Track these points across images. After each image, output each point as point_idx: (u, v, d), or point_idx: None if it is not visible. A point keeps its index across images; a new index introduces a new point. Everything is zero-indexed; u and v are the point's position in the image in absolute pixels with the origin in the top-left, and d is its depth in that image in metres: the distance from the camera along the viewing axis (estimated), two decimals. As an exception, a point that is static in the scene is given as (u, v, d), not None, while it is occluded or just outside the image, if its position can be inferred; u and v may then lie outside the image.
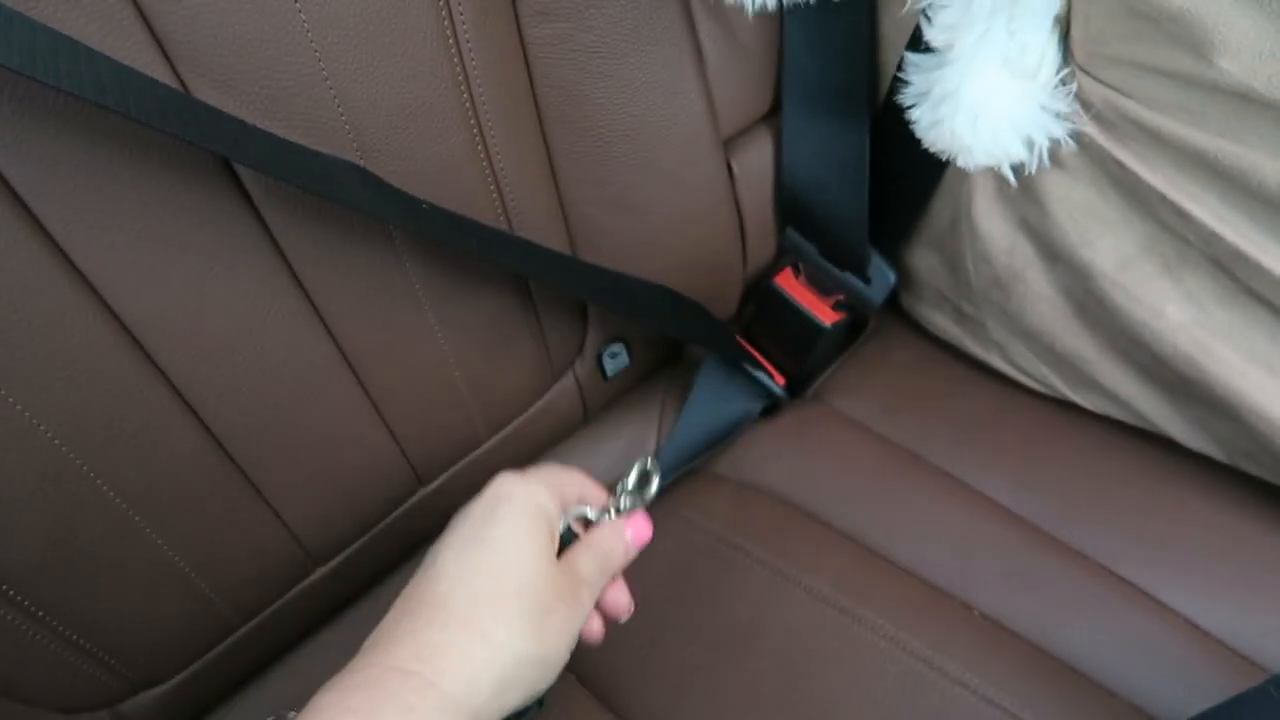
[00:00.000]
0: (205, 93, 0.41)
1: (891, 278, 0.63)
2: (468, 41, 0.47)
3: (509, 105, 0.51)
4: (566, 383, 0.65)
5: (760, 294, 0.70)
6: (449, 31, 0.46)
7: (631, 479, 0.48)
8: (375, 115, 0.46)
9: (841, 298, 0.67)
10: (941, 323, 0.67)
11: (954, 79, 0.50)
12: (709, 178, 0.60)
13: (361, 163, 0.46)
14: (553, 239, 0.57)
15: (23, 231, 0.39)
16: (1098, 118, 0.50)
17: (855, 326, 0.72)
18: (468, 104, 0.48)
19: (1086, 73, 0.50)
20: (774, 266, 0.70)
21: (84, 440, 0.44)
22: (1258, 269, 0.48)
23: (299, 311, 0.49)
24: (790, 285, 0.68)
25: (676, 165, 0.58)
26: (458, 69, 0.47)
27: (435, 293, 0.53)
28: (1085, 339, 0.57)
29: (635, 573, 0.47)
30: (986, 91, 0.49)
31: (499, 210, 0.53)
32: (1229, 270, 0.50)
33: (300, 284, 0.48)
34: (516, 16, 0.49)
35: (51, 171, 0.39)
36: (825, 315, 0.67)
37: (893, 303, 0.71)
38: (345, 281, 0.50)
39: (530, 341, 0.60)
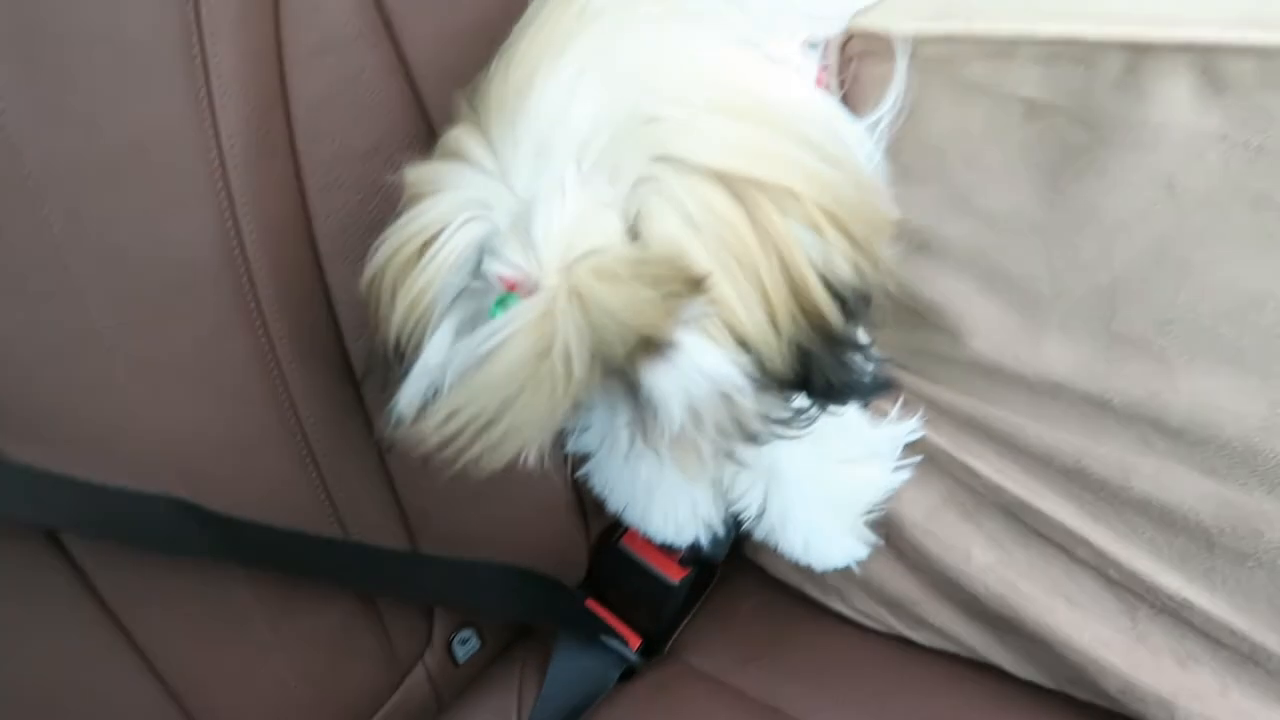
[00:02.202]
0: (14, 447, 0.40)
1: (729, 535, 0.66)
2: (289, 362, 0.48)
3: (337, 415, 0.52)
4: (417, 676, 0.63)
5: (608, 553, 0.71)
6: (269, 353, 0.48)
7: None
8: (199, 443, 0.46)
9: (686, 553, 0.69)
10: (783, 570, 0.69)
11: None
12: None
13: (187, 495, 0.46)
14: (390, 535, 0.57)
15: None
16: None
17: (706, 575, 0.74)
18: (292, 419, 0.49)
19: (868, 349, 0.56)
20: (620, 524, 0.72)
21: None
22: (1039, 514, 0.53)
23: (117, 652, 0.46)
24: (636, 544, 0.70)
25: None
26: (280, 390, 0.48)
27: (271, 611, 0.52)
28: (910, 582, 0.61)
29: None
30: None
31: (331, 517, 0.53)
32: (1018, 516, 0.55)
33: (118, 622, 0.46)
34: (337, 326, 0.51)
35: None
36: (672, 572, 0.69)
37: (738, 549, 0.73)
38: (170, 615, 0.48)
39: (374, 641, 0.59)
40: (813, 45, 0.46)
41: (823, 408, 0.42)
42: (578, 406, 0.35)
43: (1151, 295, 0.46)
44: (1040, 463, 0.53)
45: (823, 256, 0.37)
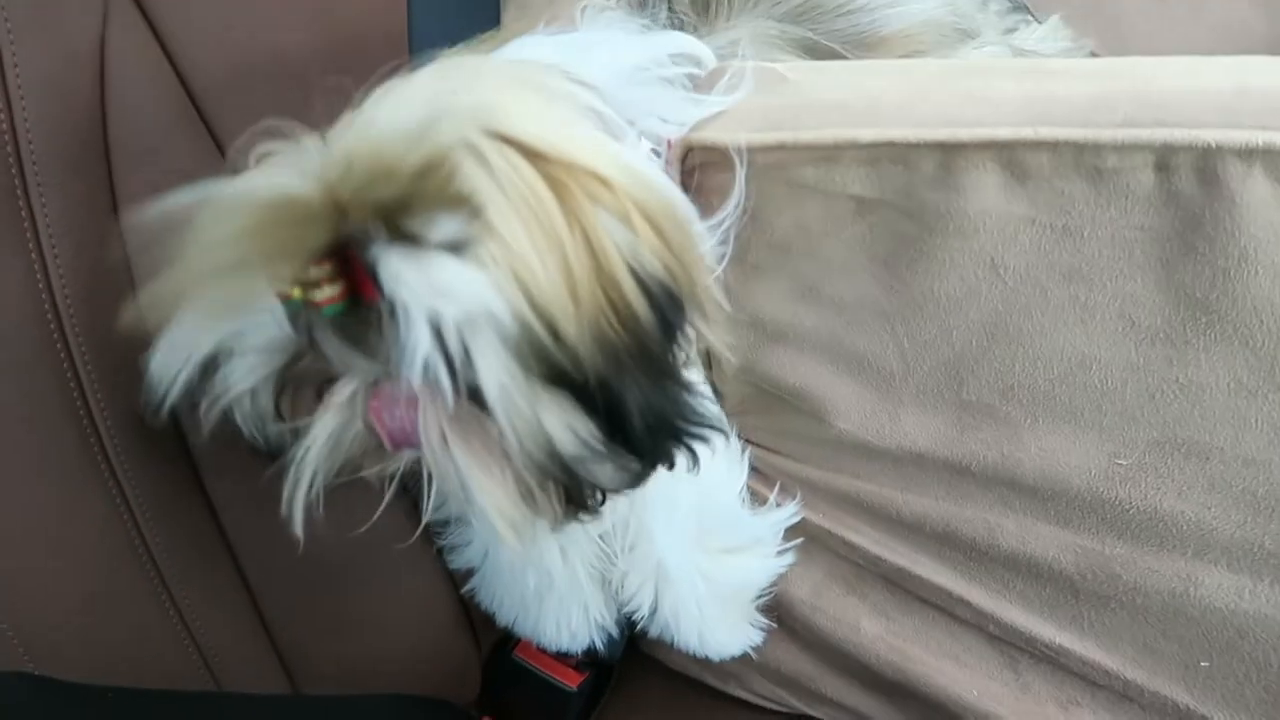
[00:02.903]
0: None
1: (623, 634, 0.65)
2: (144, 511, 0.46)
3: (199, 559, 0.50)
4: (307, 826, 0.59)
5: (502, 667, 0.69)
6: (122, 505, 0.45)
7: None
8: (48, 610, 0.43)
9: (581, 656, 0.68)
10: (678, 660, 0.69)
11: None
12: (426, 575, 0.61)
13: (33, 667, 0.43)
14: (268, 678, 0.54)
15: None
16: (758, 471, 0.58)
17: (604, 677, 0.73)
18: (153, 575, 0.47)
19: (740, 436, 0.58)
20: (512, 636, 0.70)
21: None
22: (919, 580, 0.55)
23: None
24: (530, 654, 0.68)
25: (393, 572, 0.58)
26: (137, 542, 0.46)
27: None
28: (805, 659, 0.62)
29: None
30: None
31: (200, 665, 0.50)
32: (899, 584, 0.56)
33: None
34: (194, 468, 0.49)
35: None
36: (569, 678, 0.67)
37: (634, 645, 0.72)
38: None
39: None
40: (656, 152, 0.48)
41: (654, 459, 0.39)
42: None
43: (991, 366, 0.49)
44: (913, 530, 0.55)
45: (630, 247, 0.36)
